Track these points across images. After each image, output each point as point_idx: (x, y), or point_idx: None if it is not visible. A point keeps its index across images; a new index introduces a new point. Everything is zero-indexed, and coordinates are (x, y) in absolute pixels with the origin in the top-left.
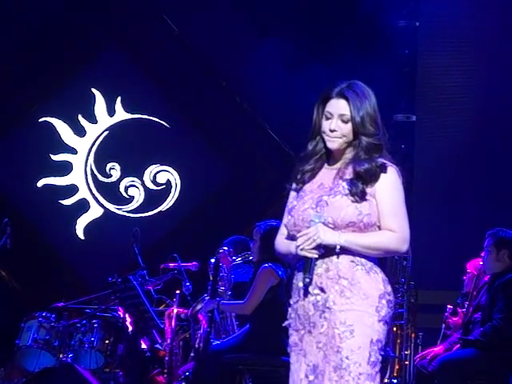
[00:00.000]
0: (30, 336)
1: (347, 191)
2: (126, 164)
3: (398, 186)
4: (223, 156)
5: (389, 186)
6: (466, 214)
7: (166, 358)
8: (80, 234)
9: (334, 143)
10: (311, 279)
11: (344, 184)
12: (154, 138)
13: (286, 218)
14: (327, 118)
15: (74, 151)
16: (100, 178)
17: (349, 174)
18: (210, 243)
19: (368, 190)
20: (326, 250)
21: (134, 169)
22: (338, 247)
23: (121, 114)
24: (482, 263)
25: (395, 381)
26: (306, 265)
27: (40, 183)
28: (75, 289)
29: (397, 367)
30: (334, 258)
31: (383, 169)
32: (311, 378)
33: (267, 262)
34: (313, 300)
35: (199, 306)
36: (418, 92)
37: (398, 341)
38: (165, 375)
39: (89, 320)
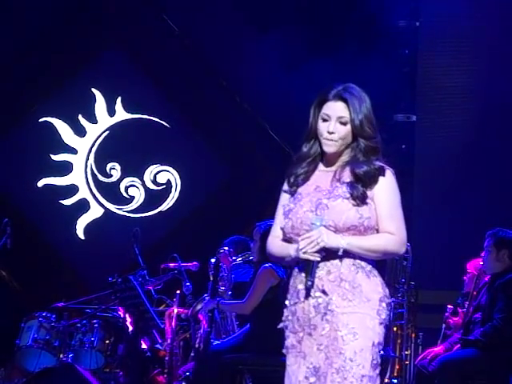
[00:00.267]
0: (30, 336)
1: (348, 195)
2: (127, 164)
3: (395, 188)
4: (223, 156)
5: (387, 189)
6: (466, 214)
7: (167, 358)
8: (80, 233)
9: (331, 146)
10: (313, 282)
11: (344, 187)
12: (154, 137)
13: (280, 221)
14: (324, 120)
15: (74, 151)
16: (100, 177)
17: (347, 176)
18: (210, 243)
19: (368, 192)
20: (328, 253)
21: (134, 169)
22: (341, 251)
23: (121, 114)
24: (482, 263)
25: (395, 381)
26: (307, 268)
27: (40, 183)
28: (75, 289)
29: (397, 367)
30: (336, 260)
31: (382, 171)
32: (312, 379)
33: (267, 261)
34: (314, 302)
35: (199, 306)
36: (418, 92)
37: (399, 341)
38: (165, 375)
39: (89, 320)
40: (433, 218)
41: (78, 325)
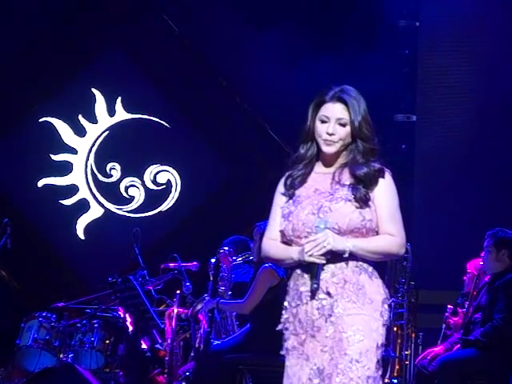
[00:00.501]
0: (30, 336)
1: (350, 197)
2: (127, 164)
3: (394, 190)
4: (223, 156)
5: (387, 191)
6: (466, 214)
7: (167, 358)
8: (80, 233)
9: (331, 147)
10: (318, 284)
11: (345, 189)
12: (154, 137)
13: (278, 223)
14: (323, 122)
15: (74, 151)
16: (100, 178)
17: (346, 178)
18: (210, 243)
19: (369, 194)
20: (332, 256)
21: (134, 169)
22: (347, 253)
23: (121, 114)
24: (482, 263)
25: (395, 381)
26: (312, 270)
27: (40, 183)
28: (75, 289)
29: (397, 367)
30: (339, 263)
31: (381, 173)
32: (316, 381)
33: (264, 260)
34: (317, 304)
35: (199, 306)
36: (418, 92)
37: (399, 341)
38: (165, 375)
39: (89, 320)
40: (433, 218)
41: (78, 325)
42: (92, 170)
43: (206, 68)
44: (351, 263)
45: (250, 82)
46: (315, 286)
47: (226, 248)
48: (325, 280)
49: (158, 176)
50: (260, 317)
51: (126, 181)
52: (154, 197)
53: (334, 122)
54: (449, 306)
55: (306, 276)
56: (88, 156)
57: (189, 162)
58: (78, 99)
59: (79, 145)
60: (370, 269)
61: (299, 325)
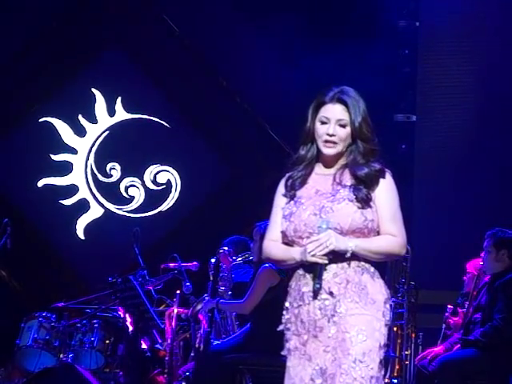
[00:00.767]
0: (30, 336)
1: (352, 197)
2: (127, 164)
3: (395, 190)
4: (223, 156)
5: (388, 191)
6: (466, 214)
7: (167, 358)
8: (80, 233)
9: (331, 149)
10: (321, 284)
11: (347, 190)
12: (154, 137)
13: (279, 224)
14: (323, 123)
15: (74, 151)
16: (100, 177)
17: (347, 179)
18: (210, 243)
19: (371, 194)
20: (334, 256)
21: (134, 169)
22: (350, 253)
23: (121, 114)
24: (482, 263)
25: (395, 381)
26: (315, 271)
27: (40, 183)
28: (75, 289)
29: (397, 367)
30: (342, 263)
31: (382, 173)
32: (318, 381)
33: (265, 261)
34: (320, 304)
35: (199, 306)
36: (418, 92)
37: (399, 341)
38: (165, 375)
39: (89, 320)
40: (433, 218)
41: (78, 325)
42: (92, 169)
43: (206, 68)
44: (353, 263)
45: (250, 82)
46: (317, 286)
47: (226, 248)
48: (327, 280)
49: (157, 176)
50: (260, 317)
51: (126, 181)
52: (154, 197)
53: (334, 123)
54: (449, 306)
55: (308, 276)
56: (88, 156)
57: (189, 162)
58: (78, 99)
59: (79, 145)
60: (372, 269)
61: (301, 325)
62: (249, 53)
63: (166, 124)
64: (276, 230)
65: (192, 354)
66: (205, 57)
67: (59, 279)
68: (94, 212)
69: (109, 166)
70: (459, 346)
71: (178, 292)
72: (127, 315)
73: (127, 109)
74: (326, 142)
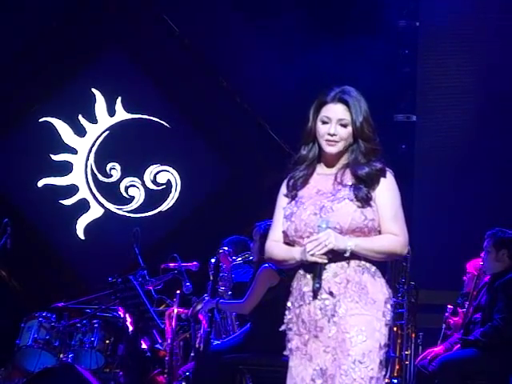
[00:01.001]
0: (30, 336)
1: (352, 196)
2: (127, 164)
3: (396, 189)
4: (223, 156)
5: (389, 190)
6: (465, 214)
7: (167, 358)
8: (80, 233)
9: (333, 147)
10: (321, 284)
11: (347, 189)
12: (154, 137)
13: (280, 224)
14: (324, 123)
15: (74, 151)
16: (100, 177)
17: (348, 179)
18: (210, 243)
19: (371, 194)
20: (334, 255)
21: (134, 169)
22: (349, 252)
23: (121, 114)
24: (482, 263)
25: (395, 381)
26: (314, 270)
27: (40, 183)
28: (75, 289)
29: (397, 367)
30: (342, 262)
31: (383, 173)
32: (319, 382)
33: (267, 261)
34: (320, 304)
35: (199, 306)
36: (418, 92)
37: (399, 341)
38: (165, 375)
39: (89, 320)
40: (433, 218)
41: (78, 325)
42: (92, 169)
43: (206, 68)
44: (353, 263)
45: (250, 82)
46: (317, 285)
47: (226, 248)
48: (327, 280)
49: (157, 176)
50: (260, 317)
51: (126, 181)
52: (154, 197)
53: (335, 122)
54: (449, 306)
55: (308, 276)
56: (88, 156)
57: (189, 162)
58: (78, 99)
59: (79, 145)
60: (373, 268)
61: (302, 325)
62: (249, 53)
63: (166, 124)
64: (278, 230)
65: (192, 354)
66: (205, 57)
67: (59, 279)
68: (94, 212)
69: (109, 166)
70: (459, 346)
71: (178, 292)
72: (127, 315)
73: (127, 109)
74: (328, 141)
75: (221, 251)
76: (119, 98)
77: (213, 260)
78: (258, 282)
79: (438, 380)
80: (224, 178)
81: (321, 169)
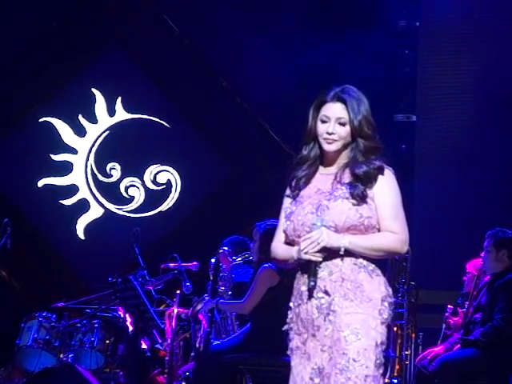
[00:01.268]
0: (30, 336)
1: (348, 194)
2: (127, 164)
3: (395, 187)
4: (223, 156)
5: (387, 188)
6: (466, 213)
7: (167, 358)
8: (80, 233)
9: (331, 145)
10: (316, 282)
11: (343, 188)
12: (154, 137)
13: (282, 224)
14: (323, 122)
15: (74, 151)
16: (100, 177)
17: (347, 177)
18: (210, 243)
19: (368, 192)
20: (329, 253)
21: (134, 169)
22: (342, 250)
23: (121, 114)
24: (482, 263)
25: (395, 381)
26: (309, 269)
27: (40, 183)
28: (75, 289)
29: (397, 367)
30: (337, 260)
31: (381, 171)
32: (316, 380)
33: (267, 261)
34: (317, 303)
35: (199, 306)
36: (418, 92)
37: (399, 341)
38: (165, 375)
39: (89, 320)
40: (433, 218)
41: (78, 325)
42: (92, 169)
43: (206, 68)
44: (349, 261)
45: (250, 82)
46: (312, 284)
47: (226, 248)
48: (323, 278)
49: (158, 176)
50: (260, 317)
51: (126, 181)
52: (154, 197)
53: (333, 121)
54: (449, 306)
55: (305, 275)
56: (88, 156)
57: (189, 162)
58: (78, 99)
59: (79, 145)
60: (371, 266)
61: (301, 324)
62: (249, 53)
63: (166, 124)
64: (281, 231)
65: (192, 354)
66: (205, 57)
67: (59, 279)
68: (94, 212)
69: (109, 166)
70: (459, 346)
71: (178, 292)
72: (127, 315)
73: (127, 109)
74: (326, 139)
75: (221, 251)
76: (119, 98)
77: (213, 260)
78: (257, 282)
79: (438, 380)
80: (224, 177)
81: (323, 168)
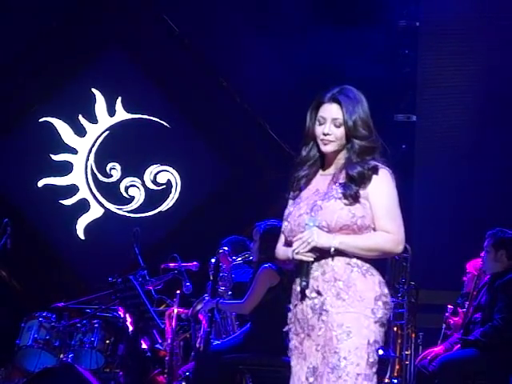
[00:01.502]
0: (30, 336)
1: (340, 194)
2: (127, 164)
3: (390, 187)
4: (223, 156)
5: (381, 188)
6: (466, 213)
7: (167, 358)
8: (80, 233)
9: (327, 146)
10: (308, 282)
11: (337, 188)
12: (154, 137)
13: (283, 225)
14: (320, 123)
15: (74, 151)
16: (100, 177)
17: (342, 178)
18: (209, 243)
19: (361, 191)
20: (322, 253)
21: (134, 169)
22: (333, 249)
23: (121, 114)
24: (482, 263)
25: (395, 381)
26: (302, 268)
27: (40, 183)
28: (75, 289)
29: (397, 367)
30: (330, 260)
31: (375, 171)
32: (311, 380)
33: (267, 261)
34: (310, 303)
35: (199, 306)
36: (418, 92)
37: (399, 341)
38: (165, 375)
39: (89, 320)
40: (433, 217)
41: (78, 325)
42: (92, 169)
43: (206, 68)
44: (343, 260)
45: (250, 82)
46: (304, 283)
47: (226, 248)
48: (315, 278)
49: (158, 176)
50: (260, 317)
51: (126, 181)
52: (154, 197)
53: (329, 122)
54: (449, 306)
55: (300, 275)
56: (88, 156)
57: (189, 162)
58: (78, 99)
59: (79, 145)
60: (365, 266)
61: (298, 324)
62: (249, 53)
63: (166, 124)
64: (282, 231)
65: (192, 354)
66: (205, 57)
67: (59, 279)
68: (94, 212)
69: (109, 166)
70: (459, 346)
71: (178, 292)
72: (127, 315)
73: (127, 109)
74: (323, 140)
75: (221, 251)
76: (119, 98)
77: (213, 260)
78: (257, 282)
79: (438, 380)
80: (224, 177)
81: (323, 170)
